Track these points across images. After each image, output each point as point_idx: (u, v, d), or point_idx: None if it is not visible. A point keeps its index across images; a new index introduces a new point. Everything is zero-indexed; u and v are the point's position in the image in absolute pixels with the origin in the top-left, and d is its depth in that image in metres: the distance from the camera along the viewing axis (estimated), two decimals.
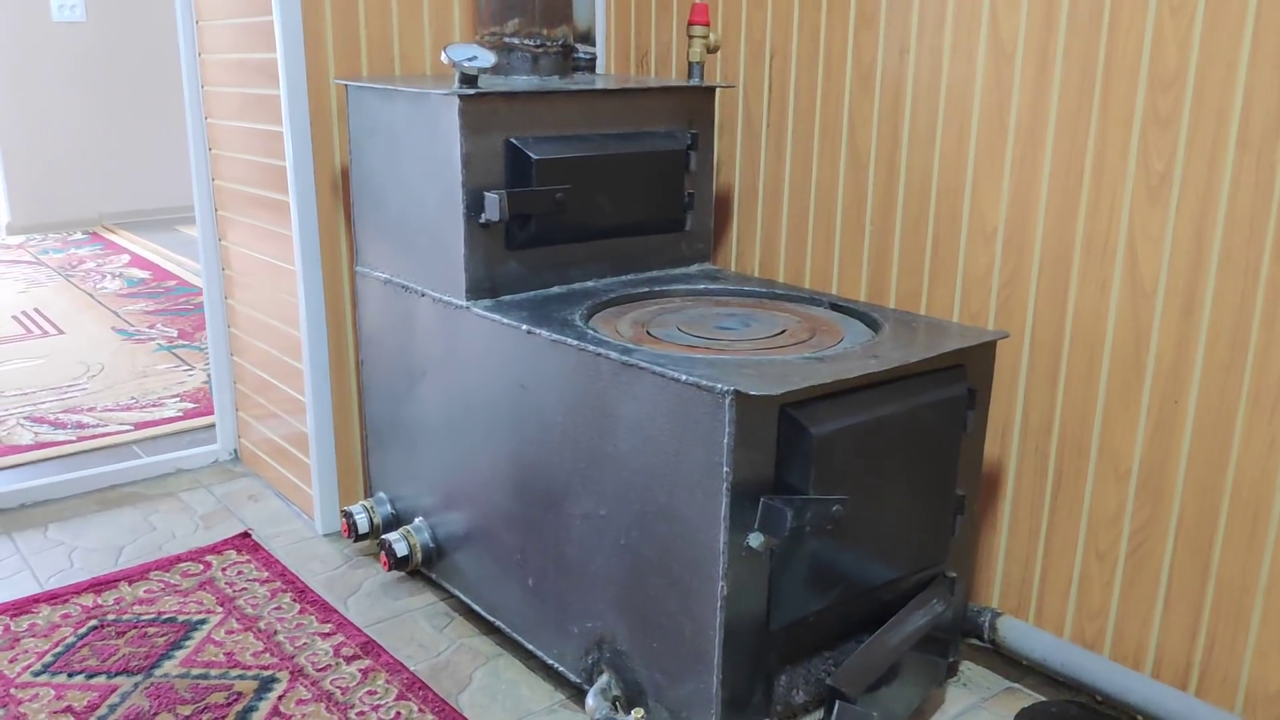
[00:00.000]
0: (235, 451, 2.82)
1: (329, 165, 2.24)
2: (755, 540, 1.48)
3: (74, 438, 2.96)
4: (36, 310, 4.36)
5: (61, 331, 4.06)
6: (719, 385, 1.43)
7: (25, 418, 3.12)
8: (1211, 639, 1.68)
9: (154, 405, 3.23)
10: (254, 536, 2.39)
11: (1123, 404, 1.73)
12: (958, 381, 1.69)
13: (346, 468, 2.40)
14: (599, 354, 1.60)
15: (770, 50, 2.18)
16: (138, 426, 3.05)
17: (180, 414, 3.15)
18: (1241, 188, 1.55)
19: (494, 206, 1.79)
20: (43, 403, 3.25)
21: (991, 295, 1.88)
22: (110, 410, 3.19)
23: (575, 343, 1.64)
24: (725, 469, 1.44)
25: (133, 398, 3.30)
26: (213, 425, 2.88)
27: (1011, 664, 1.94)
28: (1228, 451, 1.62)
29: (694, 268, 2.18)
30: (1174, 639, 1.73)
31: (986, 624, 1.89)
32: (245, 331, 2.64)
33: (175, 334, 4.00)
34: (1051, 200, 1.77)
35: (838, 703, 1.46)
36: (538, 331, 1.71)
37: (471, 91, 1.77)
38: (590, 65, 2.32)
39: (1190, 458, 1.67)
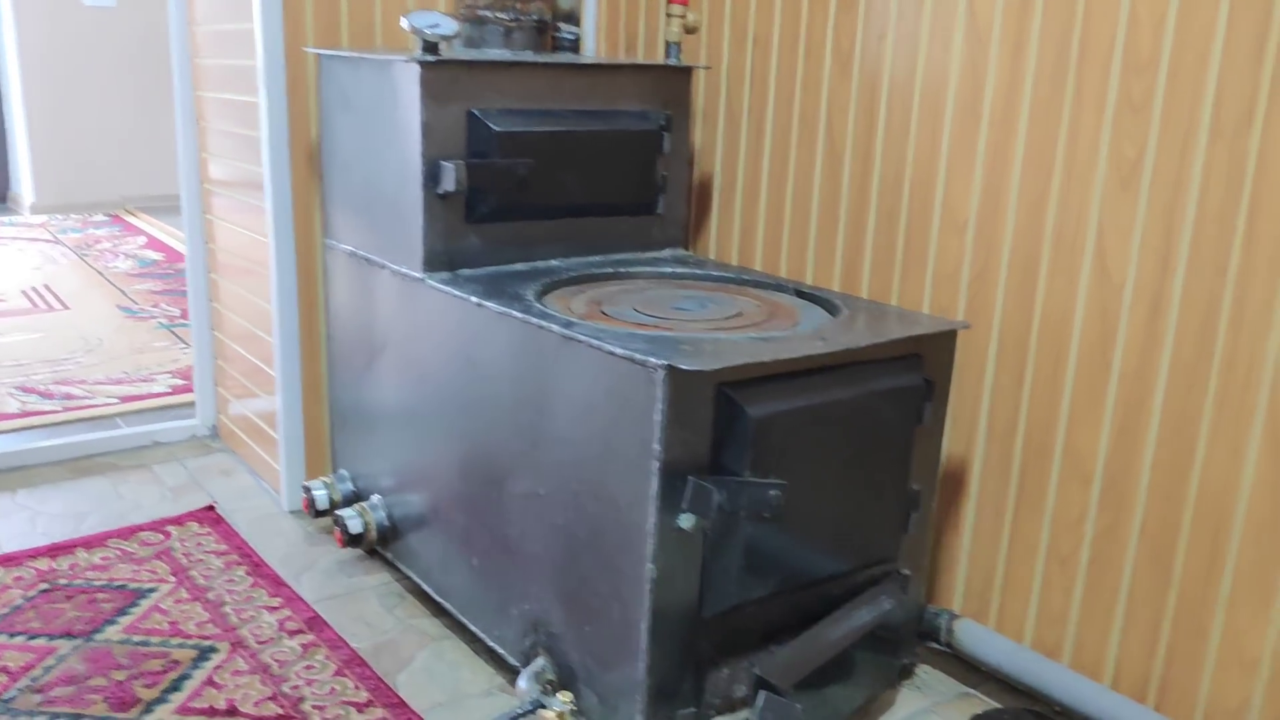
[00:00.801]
0: (214, 427, 2.81)
1: (305, 138, 2.22)
2: (685, 521, 1.43)
3: (60, 408, 2.96)
4: (46, 286, 4.39)
5: (67, 307, 4.08)
6: (652, 359, 1.39)
7: (16, 387, 3.13)
8: (1171, 651, 1.61)
9: (144, 380, 3.23)
10: (218, 510, 2.37)
11: (1088, 404, 1.67)
12: (913, 371, 1.63)
13: (315, 444, 2.37)
14: (541, 327, 1.56)
15: (753, 35, 2.14)
16: (124, 400, 3.05)
17: (169, 390, 3.15)
18: (1213, 179, 1.49)
19: (450, 177, 1.76)
20: (35, 374, 3.26)
21: (961, 289, 1.82)
22: (101, 384, 3.19)
23: (520, 315, 1.60)
24: (656, 447, 1.40)
25: (124, 372, 3.30)
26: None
27: (970, 669, 1.87)
28: (1192, 457, 1.55)
29: (666, 252, 2.13)
30: (1134, 649, 1.66)
31: (944, 626, 1.83)
32: (227, 307, 2.63)
33: (178, 313, 4.01)
34: (1023, 192, 1.71)
35: (762, 693, 1.41)
36: (486, 304, 1.67)
37: (432, 59, 1.75)
38: (574, 45, 2.29)
39: (1154, 462, 1.60)
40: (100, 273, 4.67)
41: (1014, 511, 1.80)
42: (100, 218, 6.01)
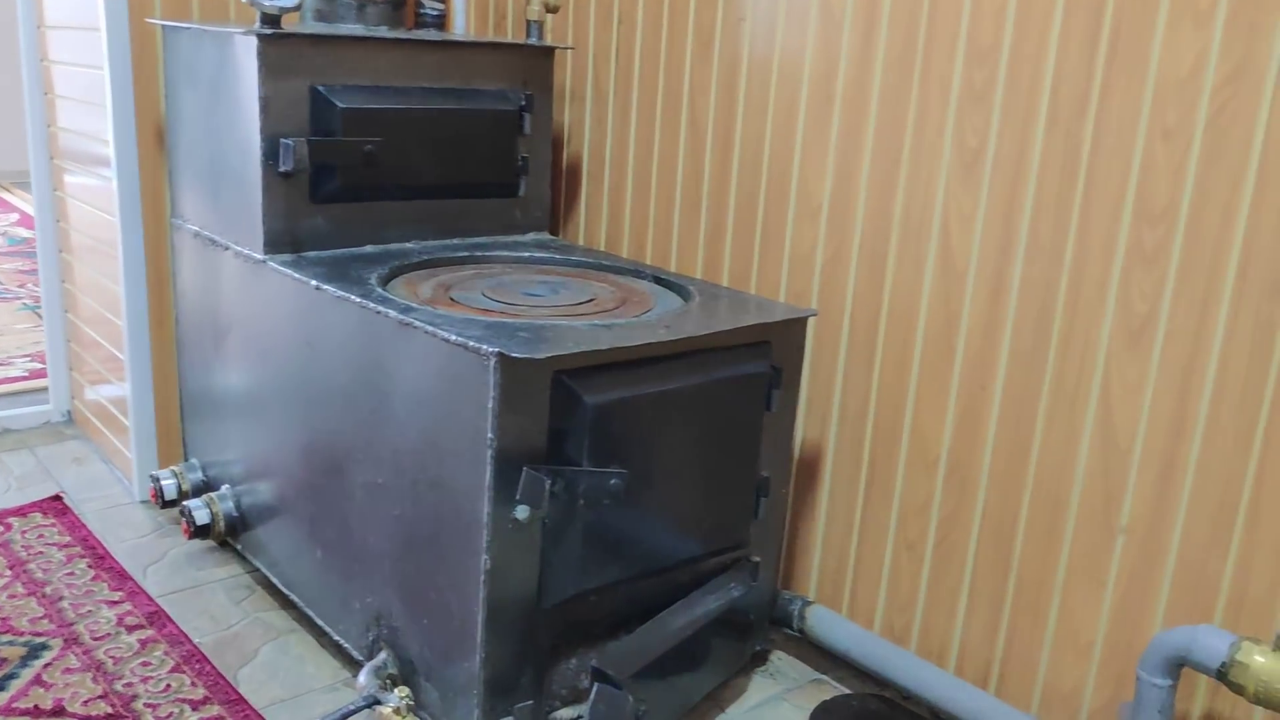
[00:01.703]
0: (69, 413, 2.70)
1: (153, 112, 2.12)
2: (521, 512, 1.40)
3: None
4: None
5: None
6: (484, 346, 1.35)
7: None
8: (1011, 636, 1.63)
9: (1, 364, 3.09)
10: (65, 500, 2.27)
11: (933, 389, 1.68)
12: (761, 358, 1.62)
13: (168, 432, 2.29)
14: (378, 312, 1.52)
15: (618, 15, 2.11)
16: None
17: (25, 374, 3.01)
18: (1049, 168, 1.50)
19: (289, 155, 1.69)
20: None
21: (815, 274, 1.82)
22: None
23: (358, 300, 1.55)
24: (490, 435, 1.36)
25: None
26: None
27: (824, 655, 1.88)
28: (1029, 443, 1.57)
29: (529, 236, 2.09)
30: (976, 635, 1.68)
31: (797, 613, 1.83)
32: (79, 288, 2.52)
33: None
34: (872, 178, 1.71)
35: (597, 685, 1.39)
36: (326, 288, 1.61)
37: (271, 32, 1.68)
38: (438, 22, 2.23)
39: (995, 447, 1.62)
40: None
41: (865, 497, 1.80)
42: None
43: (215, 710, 1.63)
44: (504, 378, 1.35)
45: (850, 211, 1.75)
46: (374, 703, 1.51)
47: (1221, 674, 1.27)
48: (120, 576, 1.99)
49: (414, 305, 1.54)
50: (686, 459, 1.57)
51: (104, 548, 2.09)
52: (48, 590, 1.93)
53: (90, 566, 2.02)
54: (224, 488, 2.02)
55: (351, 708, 1.49)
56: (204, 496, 2.01)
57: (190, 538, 2.00)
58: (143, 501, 2.29)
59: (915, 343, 1.69)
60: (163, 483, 2.10)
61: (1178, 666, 1.33)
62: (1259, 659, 1.25)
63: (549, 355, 1.35)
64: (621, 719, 1.37)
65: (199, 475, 2.12)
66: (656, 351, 1.49)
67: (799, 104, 1.80)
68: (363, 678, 1.57)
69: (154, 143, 2.13)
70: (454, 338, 1.39)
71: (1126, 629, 1.49)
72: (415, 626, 1.55)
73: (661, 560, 1.59)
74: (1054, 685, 1.59)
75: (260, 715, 1.62)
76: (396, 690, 1.51)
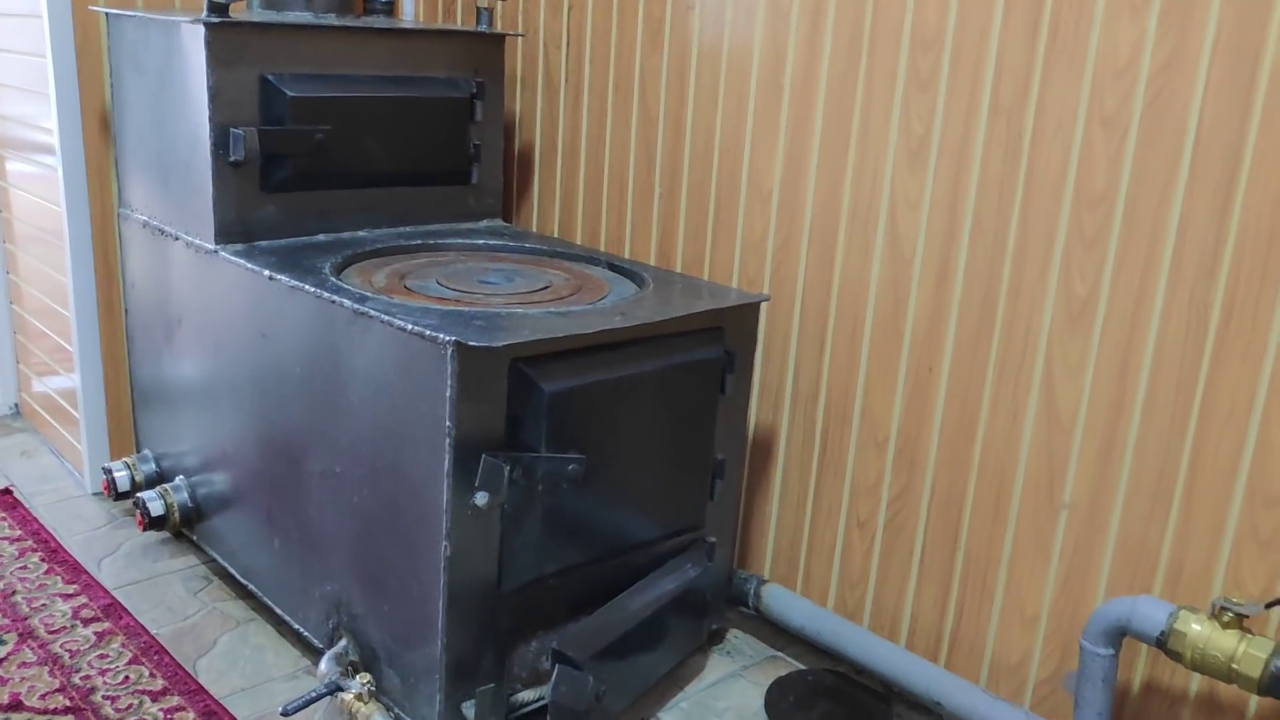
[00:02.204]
0: (16, 406, 2.66)
1: (98, 100, 2.10)
2: (481, 499, 1.41)
3: None
4: None
5: None
6: (441, 335, 1.36)
7: None
8: (960, 610, 1.68)
9: None
10: (15, 494, 2.25)
11: (882, 371, 1.72)
12: (714, 344, 1.65)
13: (119, 423, 2.27)
14: (333, 302, 1.52)
15: (568, 2, 2.11)
16: None
17: None
18: (993, 154, 1.54)
19: (239, 144, 1.68)
20: None
21: (767, 260, 1.85)
22: None
23: (312, 290, 1.55)
24: (448, 423, 1.38)
25: None
26: None
27: (779, 633, 1.92)
28: (976, 421, 1.61)
29: (483, 224, 2.10)
30: (926, 609, 1.72)
31: (752, 591, 1.87)
32: (24, 279, 2.48)
33: None
34: (821, 164, 1.74)
35: (558, 666, 1.41)
36: (278, 277, 1.61)
37: (218, 20, 1.67)
38: (387, 9, 2.22)
39: (943, 427, 1.66)
40: None
41: (817, 477, 1.84)
42: None
43: (175, 700, 1.63)
44: (461, 366, 1.36)
45: (800, 198, 1.78)
46: (336, 689, 1.52)
47: (1161, 642, 1.32)
48: (74, 569, 1.98)
49: (369, 294, 1.55)
50: (643, 443, 1.59)
51: (56, 541, 2.08)
52: (0, 585, 1.91)
53: (43, 560, 2.00)
54: (178, 479, 2.02)
55: (314, 694, 1.50)
56: (158, 488, 2.00)
57: (145, 529, 1.99)
58: (95, 494, 2.27)
59: (865, 326, 1.73)
60: (115, 474, 2.08)
61: (1119, 636, 1.38)
62: (1196, 627, 1.30)
63: (506, 344, 1.36)
64: (583, 699, 1.40)
65: (152, 467, 2.10)
66: (612, 338, 1.51)
67: (749, 91, 1.82)
68: (324, 665, 1.58)
69: (99, 131, 2.11)
70: (410, 327, 1.40)
71: (1070, 601, 1.54)
72: (375, 613, 1.56)
73: (619, 543, 1.62)
74: (1002, 657, 1.64)
75: (221, 705, 1.63)
76: (358, 677, 1.52)
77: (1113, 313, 1.44)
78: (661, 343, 1.58)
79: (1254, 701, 1.39)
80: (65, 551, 2.04)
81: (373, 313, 1.46)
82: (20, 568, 1.97)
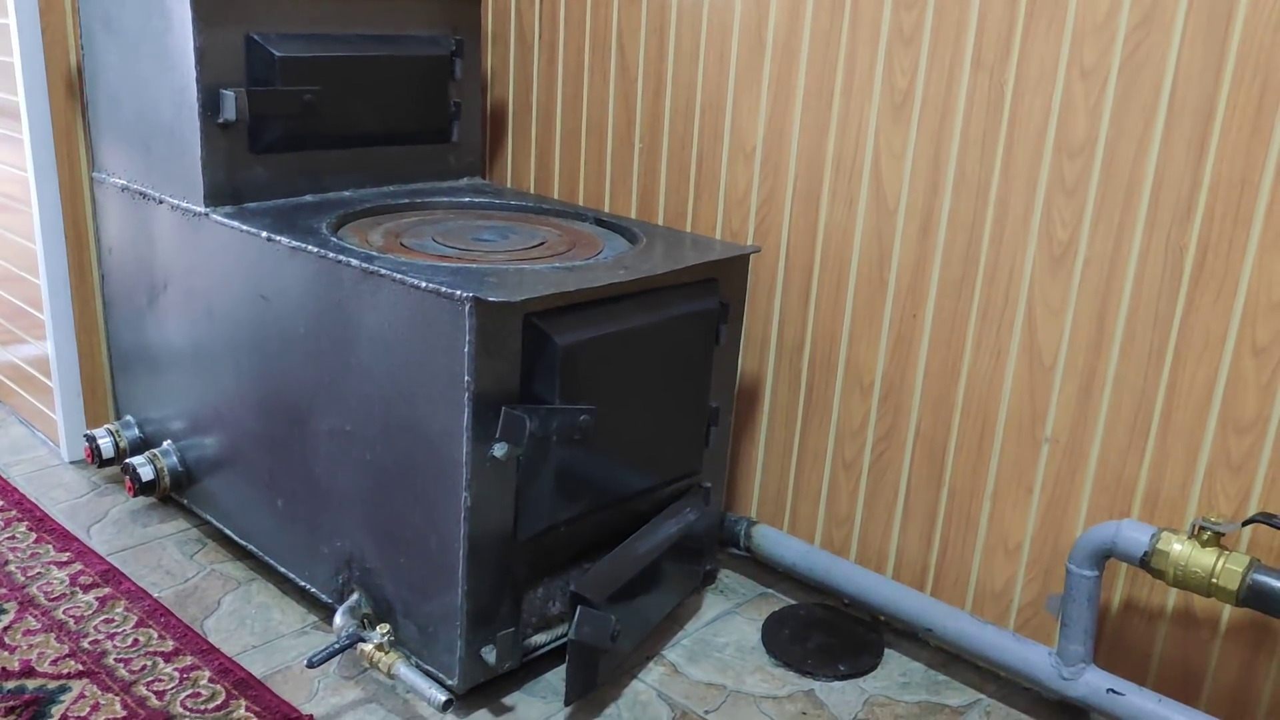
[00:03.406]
0: None
1: (63, 61, 2.06)
2: (499, 450, 1.46)
3: None
4: None
5: None
6: (459, 292, 1.39)
7: None
8: (945, 543, 1.77)
9: None
10: None
11: (867, 319, 1.79)
12: (710, 295, 1.70)
13: (94, 390, 2.25)
14: (340, 261, 1.54)
15: None
16: None
17: None
18: (975, 107, 1.60)
19: (230, 105, 1.68)
20: None
21: (751, 214, 1.90)
22: None
23: (316, 250, 1.57)
24: (467, 378, 1.41)
25: None
26: None
27: (767, 571, 2.00)
28: (959, 364, 1.70)
29: (463, 181, 2.12)
30: (912, 544, 1.81)
31: (743, 532, 1.94)
32: None
33: None
34: (805, 119, 1.80)
35: (579, 607, 1.47)
36: (277, 239, 1.62)
37: None
38: None
39: (927, 370, 1.74)
40: None
41: (803, 422, 1.91)
42: None
43: (189, 660, 1.65)
44: (480, 321, 1.39)
45: (784, 152, 1.83)
46: (356, 640, 1.55)
47: (1144, 562, 1.42)
48: (65, 537, 1.97)
49: (375, 254, 1.57)
50: (646, 393, 1.65)
51: (41, 510, 2.06)
52: None
53: (30, 530, 1.99)
54: (165, 443, 2.01)
55: (337, 646, 1.53)
56: (146, 453, 2.00)
57: (134, 495, 1.99)
58: (73, 462, 2.26)
59: (849, 276, 1.79)
60: (99, 442, 2.07)
61: (1104, 558, 1.48)
62: (1177, 547, 1.40)
63: (524, 298, 1.40)
64: (605, 638, 1.45)
65: (135, 433, 2.10)
66: (618, 291, 1.56)
67: (730, 47, 1.86)
68: (339, 618, 1.62)
69: (65, 95, 2.07)
70: (425, 284, 1.43)
71: (1052, 530, 1.64)
72: (390, 566, 1.60)
73: (624, 491, 1.67)
74: (986, 584, 1.73)
75: (235, 662, 1.65)
76: (378, 628, 1.56)
77: (1093, 256, 1.53)
78: (661, 295, 1.63)
79: (1226, 613, 1.50)
80: (52, 520, 2.03)
81: (383, 271, 1.48)
82: (8, 537, 1.96)
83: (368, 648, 1.55)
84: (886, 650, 1.79)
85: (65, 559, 1.91)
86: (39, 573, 1.86)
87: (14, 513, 2.05)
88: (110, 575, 1.86)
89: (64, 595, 1.80)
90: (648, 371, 1.64)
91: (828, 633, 1.81)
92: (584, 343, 1.50)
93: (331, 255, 1.54)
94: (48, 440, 2.33)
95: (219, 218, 1.72)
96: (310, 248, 1.58)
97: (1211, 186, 1.41)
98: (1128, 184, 1.48)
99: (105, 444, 2.08)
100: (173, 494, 2.04)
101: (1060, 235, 1.55)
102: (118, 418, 2.16)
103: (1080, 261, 1.54)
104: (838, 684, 1.70)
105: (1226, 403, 1.44)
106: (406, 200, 1.92)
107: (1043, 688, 1.59)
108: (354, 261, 1.52)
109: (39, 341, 2.24)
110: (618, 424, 1.61)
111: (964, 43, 1.60)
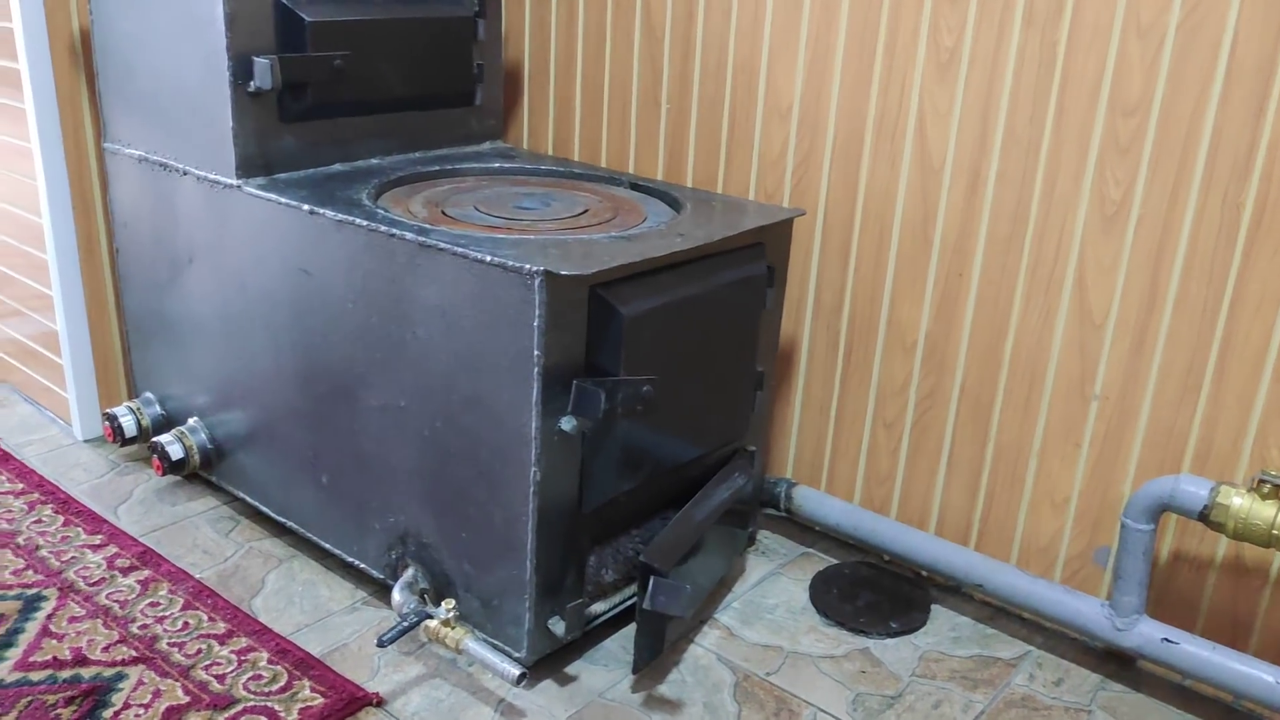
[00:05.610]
0: None
1: (65, 28, 1.97)
2: (568, 424, 1.45)
3: None
4: None
5: None
6: (527, 266, 1.37)
7: None
8: (990, 498, 1.80)
9: None
10: (2, 445, 2.16)
11: (910, 279, 1.79)
12: (758, 260, 1.70)
13: (106, 367, 2.19)
14: (392, 235, 1.50)
15: None
16: None
17: None
18: (1026, 66, 1.60)
19: (264, 73, 1.63)
20: None
21: (786, 175, 1.89)
22: None
23: (365, 223, 1.53)
24: (536, 353, 1.39)
25: None
26: None
27: (806, 531, 2.01)
28: (1007, 321, 1.71)
29: (486, 145, 2.08)
30: (956, 499, 1.83)
31: (783, 494, 1.95)
32: None
33: None
34: (845, 78, 1.78)
35: (652, 577, 1.47)
36: (321, 211, 1.58)
37: None
38: None
39: (973, 328, 1.75)
40: None
41: (841, 383, 1.92)
42: None
43: (244, 642, 1.63)
44: (549, 295, 1.37)
45: (823, 112, 1.82)
46: (426, 617, 1.54)
47: (1204, 515, 1.46)
48: (93, 519, 1.93)
49: (429, 226, 1.53)
50: (700, 361, 1.64)
51: (63, 491, 2.02)
52: (20, 540, 1.86)
53: (56, 512, 1.95)
54: (192, 420, 1.97)
55: (405, 625, 1.52)
56: (173, 431, 1.96)
57: (163, 474, 1.95)
58: (87, 441, 2.20)
59: (891, 236, 1.79)
60: (121, 420, 2.02)
61: (1160, 512, 1.51)
62: (1237, 500, 1.43)
63: (593, 271, 1.38)
64: (680, 605, 1.46)
65: (157, 410, 2.05)
66: (676, 259, 1.54)
67: (765, 6, 1.84)
68: (398, 594, 1.61)
69: (69, 62, 1.99)
70: (490, 259, 1.40)
71: (1100, 484, 1.67)
72: (450, 540, 1.59)
73: (680, 458, 1.67)
74: (1031, 538, 1.76)
75: (291, 642, 1.64)
76: (443, 603, 1.55)
77: (1146, 215, 1.54)
78: (714, 261, 1.62)
79: (1278, 560, 1.54)
80: (77, 501, 1.98)
81: (441, 245, 1.45)
82: (35, 521, 1.92)
83: (433, 623, 1.55)
84: (933, 606, 1.81)
85: (98, 542, 1.87)
86: (74, 557, 1.82)
87: (36, 495, 2.00)
88: (147, 557, 1.83)
89: (103, 580, 1.77)
90: (702, 339, 1.63)
91: (875, 590, 1.84)
92: (647, 313, 1.49)
93: (383, 229, 1.51)
94: (58, 419, 2.27)
95: (252, 190, 1.68)
96: (358, 221, 1.54)
97: (1270, 144, 1.42)
98: (1184, 143, 1.49)
99: (127, 422, 2.03)
100: (200, 471, 2.00)
101: (1113, 194, 1.56)
102: (134, 395, 2.11)
103: (1133, 220, 1.55)
104: (891, 641, 1.72)
105: None
106: (436, 167, 1.88)
107: (1094, 638, 1.62)
108: (408, 235, 1.48)
109: (47, 318, 2.18)
110: (675, 393, 1.60)
111: (1014, 0, 1.59)
